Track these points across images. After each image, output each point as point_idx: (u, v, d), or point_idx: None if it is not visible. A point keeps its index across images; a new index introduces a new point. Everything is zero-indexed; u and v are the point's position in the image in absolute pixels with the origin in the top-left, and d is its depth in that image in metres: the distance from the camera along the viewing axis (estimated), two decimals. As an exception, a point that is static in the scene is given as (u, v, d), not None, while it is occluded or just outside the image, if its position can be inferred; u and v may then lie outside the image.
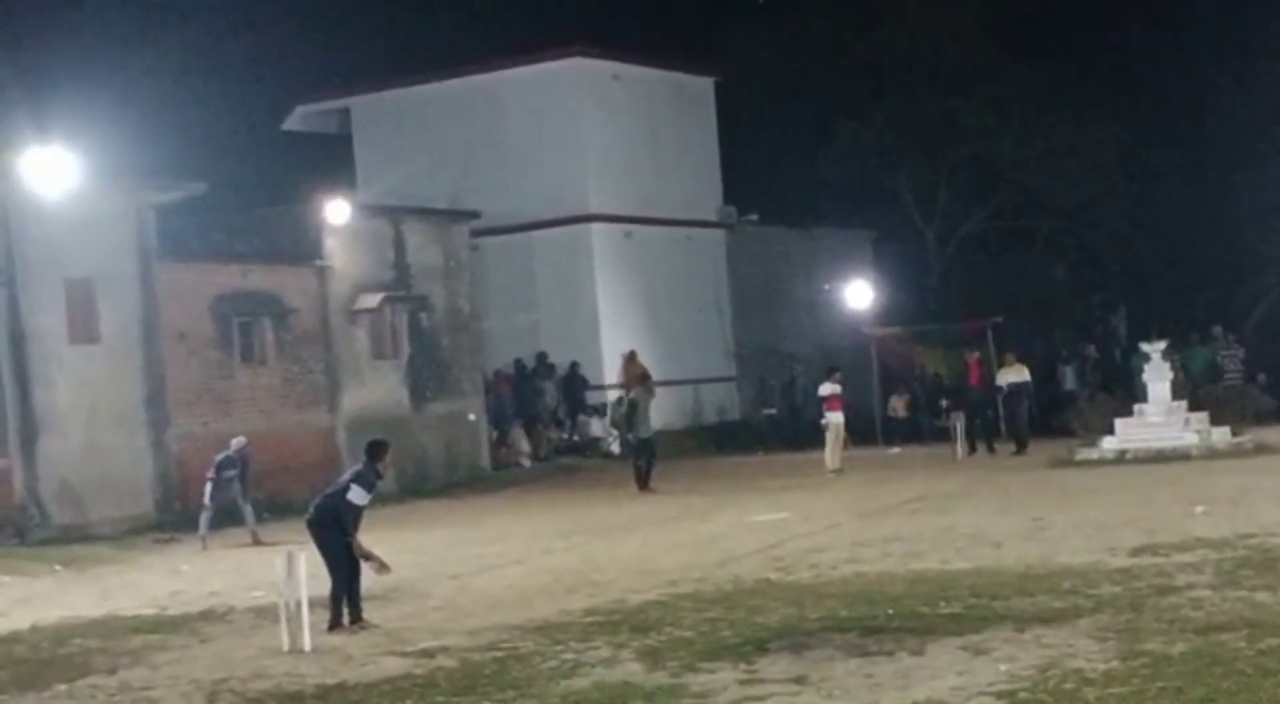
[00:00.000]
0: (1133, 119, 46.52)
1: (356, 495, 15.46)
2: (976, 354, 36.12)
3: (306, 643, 14.12)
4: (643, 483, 29.07)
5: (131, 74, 38.71)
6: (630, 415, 29.44)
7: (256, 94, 43.59)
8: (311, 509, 15.74)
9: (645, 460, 29.35)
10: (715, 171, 43.76)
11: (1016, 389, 33.43)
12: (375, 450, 15.95)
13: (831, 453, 30.55)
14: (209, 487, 24.76)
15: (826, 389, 31.16)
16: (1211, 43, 46.14)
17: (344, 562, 15.18)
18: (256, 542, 23.84)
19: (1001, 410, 34.08)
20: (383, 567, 15.33)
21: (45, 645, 14.62)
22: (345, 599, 15.18)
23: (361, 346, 32.67)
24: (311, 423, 31.25)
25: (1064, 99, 46.13)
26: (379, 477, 15.89)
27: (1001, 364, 34.25)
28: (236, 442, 25.28)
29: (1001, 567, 16.24)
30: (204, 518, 24.67)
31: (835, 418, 30.70)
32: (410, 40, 45.23)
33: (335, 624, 15.06)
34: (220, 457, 24.96)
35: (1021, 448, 32.05)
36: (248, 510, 24.78)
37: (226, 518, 25.19)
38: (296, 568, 14.38)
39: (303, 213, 32.02)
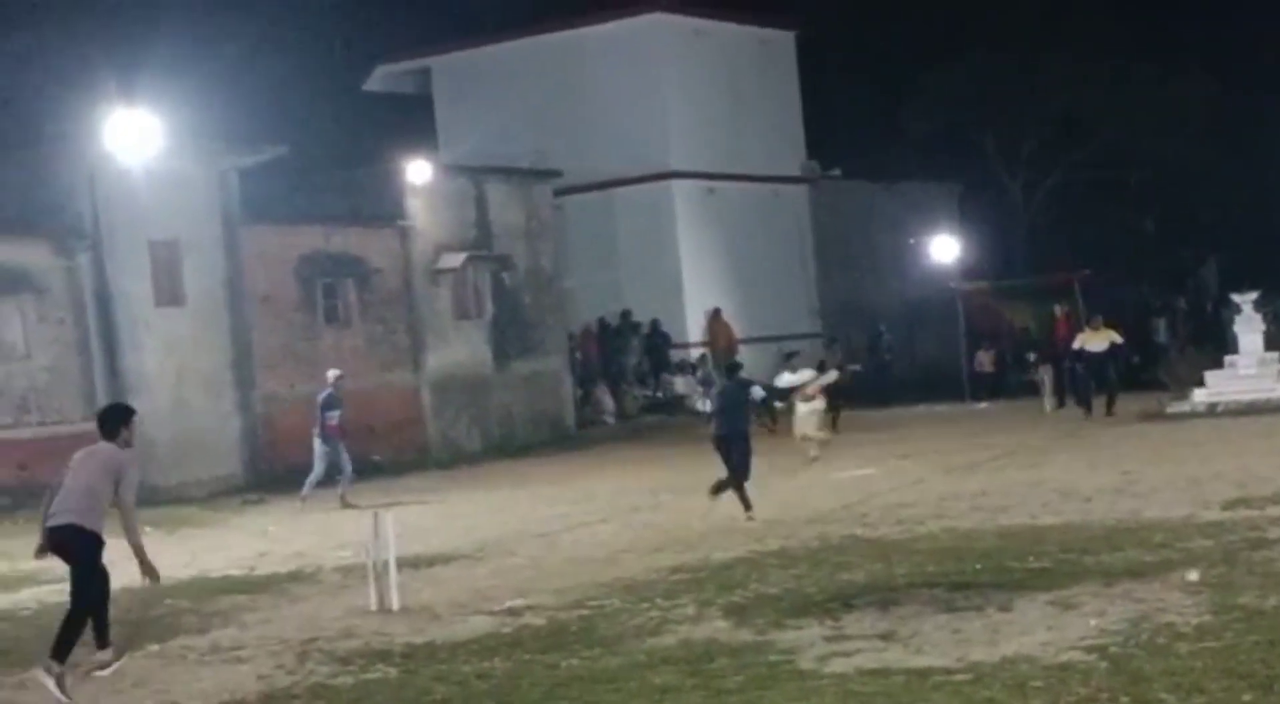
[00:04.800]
0: (1223, 66, 45.83)
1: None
2: (1066, 308, 35.64)
3: (395, 602, 14.15)
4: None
5: (213, 37, 38.85)
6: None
7: (337, 55, 43.70)
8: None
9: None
10: (798, 126, 43.50)
11: (1103, 355, 30.89)
12: None
13: (812, 432, 25.30)
14: (317, 443, 24.40)
15: (786, 380, 26.63)
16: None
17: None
18: (346, 504, 23.48)
19: (1088, 373, 32.28)
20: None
21: (136, 607, 14.71)
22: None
23: (444, 307, 32.72)
24: (396, 383, 31.36)
25: (1153, 47, 45.48)
26: None
27: (1091, 327, 31.73)
28: (333, 374, 25.00)
29: (1090, 521, 16.09)
30: (311, 479, 24.26)
31: (805, 409, 25.30)
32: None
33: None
34: (322, 395, 24.66)
35: (1110, 406, 30.66)
36: (347, 468, 24.31)
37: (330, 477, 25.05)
38: (384, 528, 14.40)
39: (385, 174, 32.09)
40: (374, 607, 14.18)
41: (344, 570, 16.66)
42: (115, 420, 12.47)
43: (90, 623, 11.86)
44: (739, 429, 19.70)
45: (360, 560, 15.08)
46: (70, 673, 11.51)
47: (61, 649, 11.51)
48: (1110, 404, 30.20)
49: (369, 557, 14.45)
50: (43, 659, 11.55)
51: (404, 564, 14.99)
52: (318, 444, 24.42)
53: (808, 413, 25.24)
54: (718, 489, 19.31)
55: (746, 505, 18.80)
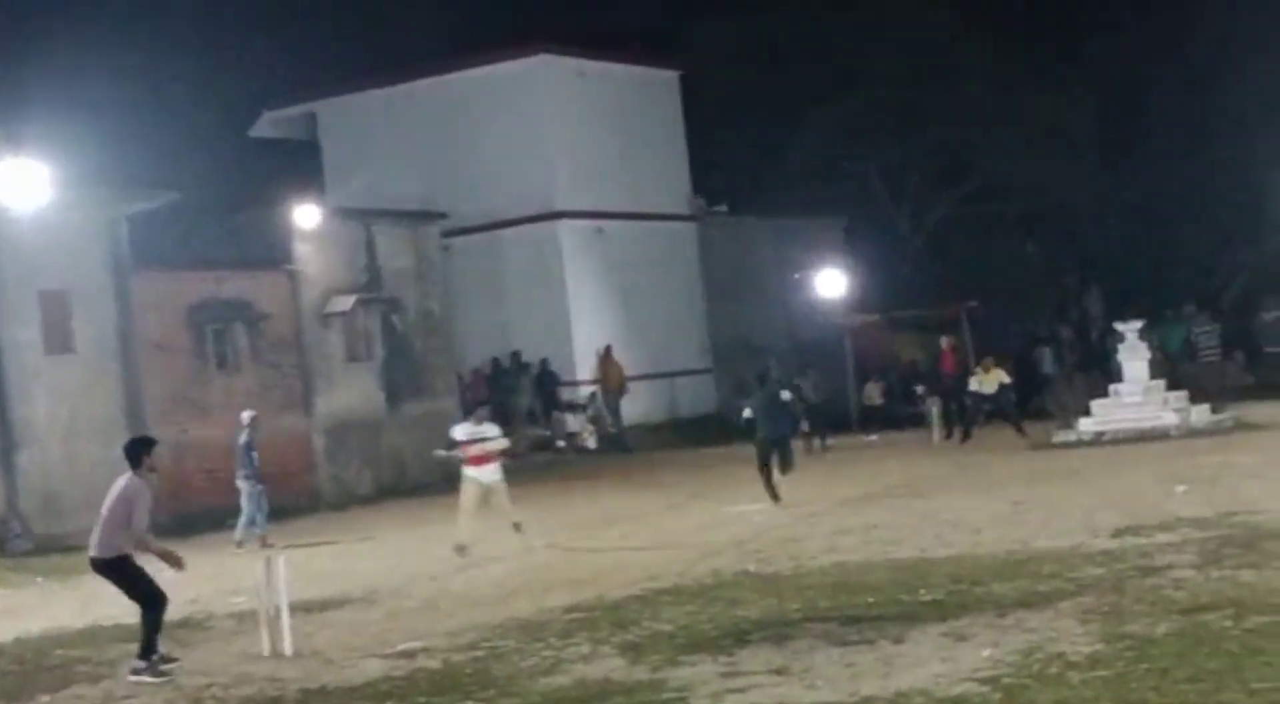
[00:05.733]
0: (1105, 99, 46.58)
1: None
2: (951, 340, 36.03)
3: (287, 647, 14.06)
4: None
5: (100, 84, 38.50)
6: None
7: (224, 102, 43.44)
8: None
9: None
10: (683, 164, 43.74)
11: (994, 396, 32.24)
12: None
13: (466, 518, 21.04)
14: (246, 484, 24.35)
15: (462, 431, 21.65)
16: (1188, 22, 46.13)
17: None
18: (265, 545, 23.51)
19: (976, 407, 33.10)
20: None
21: (29, 657, 14.55)
22: None
23: (335, 350, 32.60)
24: (287, 427, 31.12)
25: (1036, 79, 46.13)
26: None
27: (982, 368, 32.62)
28: (248, 415, 25.01)
29: (982, 552, 16.23)
30: (243, 521, 24.25)
31: (479, 475, 21.10)
32: (374, 44, 45.12)
33: None
34: (244, 438, 24.64)
35: (1020, 431, 31.23)
36: (264, 509, 24.41)
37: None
38: (276, 572, 14.32)
39: (273, 218, 31.95)
40: (267, 652, 14.10)
41: (237, 616, 16.52)
42: (135, 451, 14.11)
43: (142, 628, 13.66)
44: (783, 433, 23.66)
45: (253, 606, 14.97)
46: None
47: (146, 649, 13.59)
48: (1019, 429, 30.83)
49: (261, 602, 14.36)
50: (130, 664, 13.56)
51: (297, 609, 14.91)
52: (247, 485, 24.37)
53: (476, 480, 20.85)
54: (773, 490, 22.89)
55: (775, 497, 22.65)
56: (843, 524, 19.88)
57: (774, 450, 23.31)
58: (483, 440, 20.97)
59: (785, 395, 24.67)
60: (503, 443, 21.53)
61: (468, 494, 20.86)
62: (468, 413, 35.95)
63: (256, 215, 32.46)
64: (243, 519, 24.36)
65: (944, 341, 36.00)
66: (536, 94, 40.20)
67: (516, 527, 20.77)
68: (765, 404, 23.81)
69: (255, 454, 24.52)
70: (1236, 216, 46.43)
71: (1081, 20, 47.39)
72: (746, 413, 24.46)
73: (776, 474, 23.17)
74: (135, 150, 35.40)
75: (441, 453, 21.67)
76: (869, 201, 48.24)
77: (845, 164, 47.17)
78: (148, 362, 28.65)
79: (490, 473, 20.93)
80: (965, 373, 34.29)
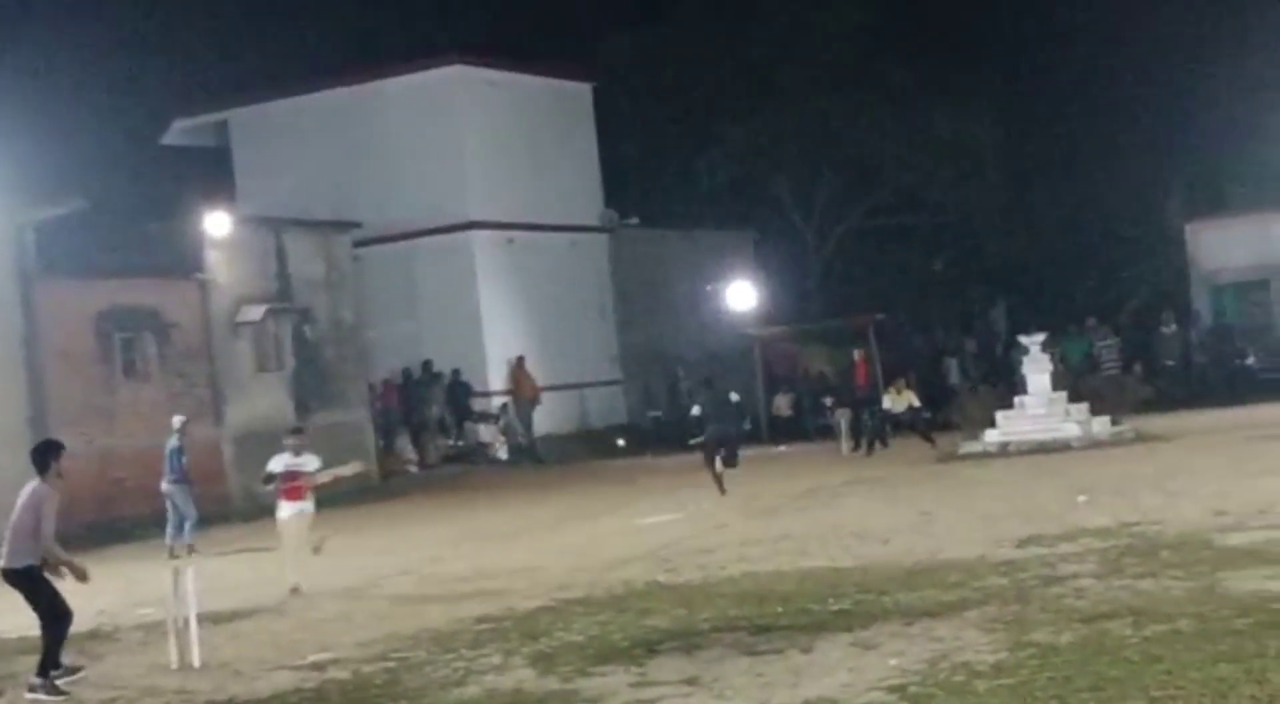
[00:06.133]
0: (1010, 115, 47.11)
1: None
2: (863, 352, 36.36)
3: (196, 659, 14.01)
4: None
5: (7, 89, 38.16)
6: None
7: (134, 109, 43.20)
8: None
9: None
10: (595, 176, 43.86)
11: (905, 413, 33.22)
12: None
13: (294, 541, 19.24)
14: (177, 489, 24.47)
15: (279, 463, 19.45)
16: (1089, 40, 46.80)
17: None
18: (191, 551, 23.72)
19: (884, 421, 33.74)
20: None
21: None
22: None
23: (245, 359, 32.47)
24: (197, 437, 30.75)
25: (943, 97, 46.59)
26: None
27: (895, 389, 33.42)
28: (178, 420, 25.07)
29: (889, 561, 16.39)
30: (189, 525, 24.46)
31: (291, 511, 19.21)
32: (287, 52, 44.99)
33: None
34: (174, 443, 24.65)
35: (929, 441, 31.77)
36: (191, 516, 24.45)
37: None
38: (185, 583, 14.27)
39: (183, 227, 31.82)
40: (175, 664, 14.04)
41: (145, 628, 16.44)
42: (43, 456, 13.78)
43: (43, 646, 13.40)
44: (729, 431, 25.72)
45: (162, 617, 14.90)
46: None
47: (45, 665, 13.35)
48: (927, 439, 31.40)
49: (169, 613, 14.30)
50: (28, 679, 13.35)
51: (205, 620, 14.87)
52: (178, 489, 24.39)
53: (294, 515, 19.11)
54: (719, 484, 24.92)
55: (722, 490, 24.73)
56: (752, 534, 20.00)
57: (721, 448, 25.41)
58: (302, 473, 19.09)
59: (734, 397, 26.86)
60: (326, 475, 19.56)
61: (289, 532, 18.98)
62: (380, 423, 36.20)
63: (166, 223, 32.32)
64: (171, 527, 24.38)
65: (856, 354, 36.30)
66: (449, 105, 40.20)
67: (316, 550, 19.13)
68: (714, 404, 26.16)
69: (186, 459, 24.61)
70: (1137, 232, 47.07)
71: (989, 38, 47.89)
72: (695, 410, 26.70)
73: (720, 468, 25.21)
74: (43, 157, 35.09)
75: (270, 487, 19.71)
76: (779, 214, 48.53)
77: (756, 177, 47.42)
78: (54, 370, 28.44)
79: (305, 506, 19.09)
80: (877, 384, 34.61)
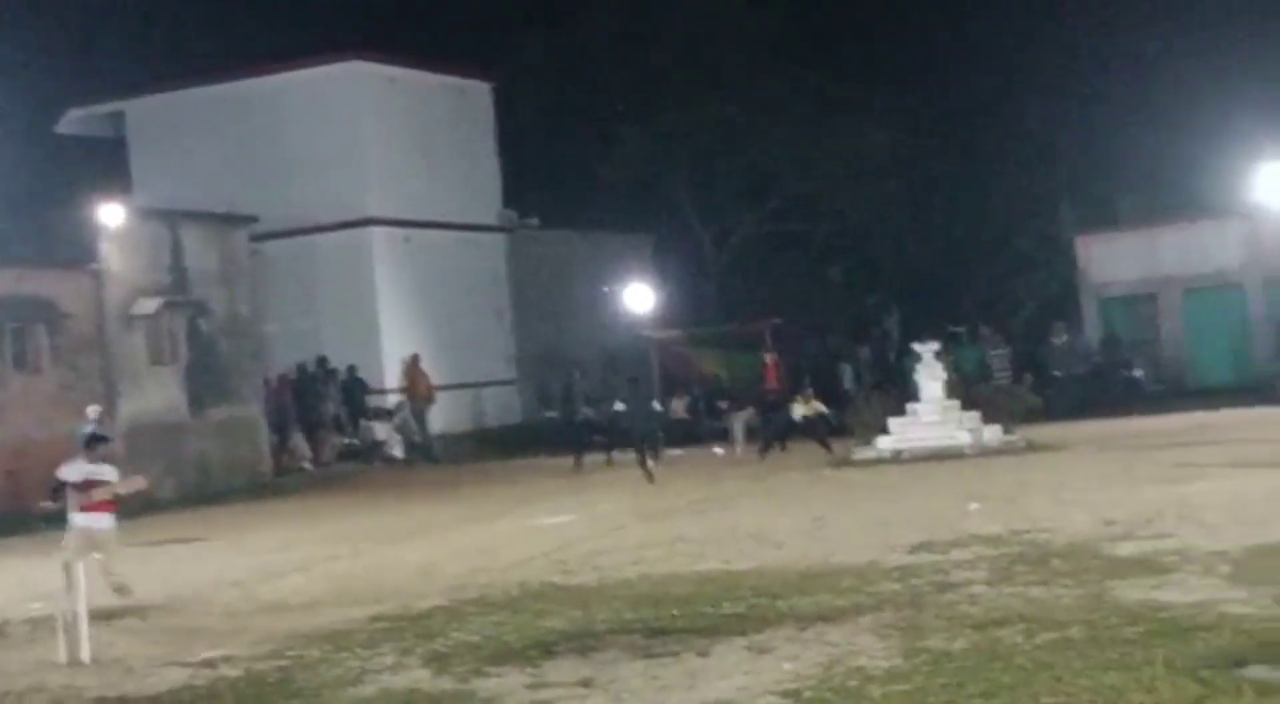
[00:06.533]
0: (906, 125, 47.53)
1: None
2: (774, 356, 36.52)
3: (85, 655, 13.86)
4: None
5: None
6: None
7: (28, 97, 42.56)
8: None
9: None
10: (495, 176, 43.78)
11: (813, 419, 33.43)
12: None
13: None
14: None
15: (74, 471, 17.06)
16: (986, 54, 47.29)
17: None
18: None
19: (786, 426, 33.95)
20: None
21: None
22: None
23: (139, 352, 32.13)
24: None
25: (842, 105, 46.95)
26: None
27: (803, 398, 33.20)
28: (94, 409, 24.75)
29: (784, 566, 16.46)
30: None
31: (92, 524, 16.81)
32: (185, 43, 44.59)
33: None
34: (89, 431, 24.27)
35: (826, 446, 31.92)
36: None
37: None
38: (76, 578, 14.11)
39: (77, 217, 31.42)
40: (64, 660, 13.87)
41: (34, 623, 16.21)
42: None
43: None
44: (651, 427, 29.82)
45: (51, 612, 14.73)
46: None
47: None
48: (824, 444, 31.40)
49: (59, 608, 14.14)
50: None
51: (96, 616, 14.67)
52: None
53: (89, 529, 16.75)
54: (648, 474, 27.75)
55: (650, 478, 27.50)
56: (648, 537, 20.05)
57: (644, 442, 29.01)
58: (100, 483, 16.86)
59: (656, 405, 31.01)
60: (127, 485, 17.35)
61: (73, 547, 16.31)
62: (273, 420, 35.93)
63: (60, 213, 31.92)
64: None
65: (768, 357, 36.51)
66: (349, 100, 40.02)
67: (119, 591, 16.62)
68: (637, 401, 30.18)
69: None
70: (1030, 244, 47.65)
71: (887, 49, 48.33)
72: (618, 405, 30.56)
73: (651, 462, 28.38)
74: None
75: (49, 504, 17.60)
76: (678, 218, 48.69)
77: (656, 180, 47.55)
78: (-57, 361, 28.05)
79: (105, 521, 16.89)
80: (785, 388, 34.77)
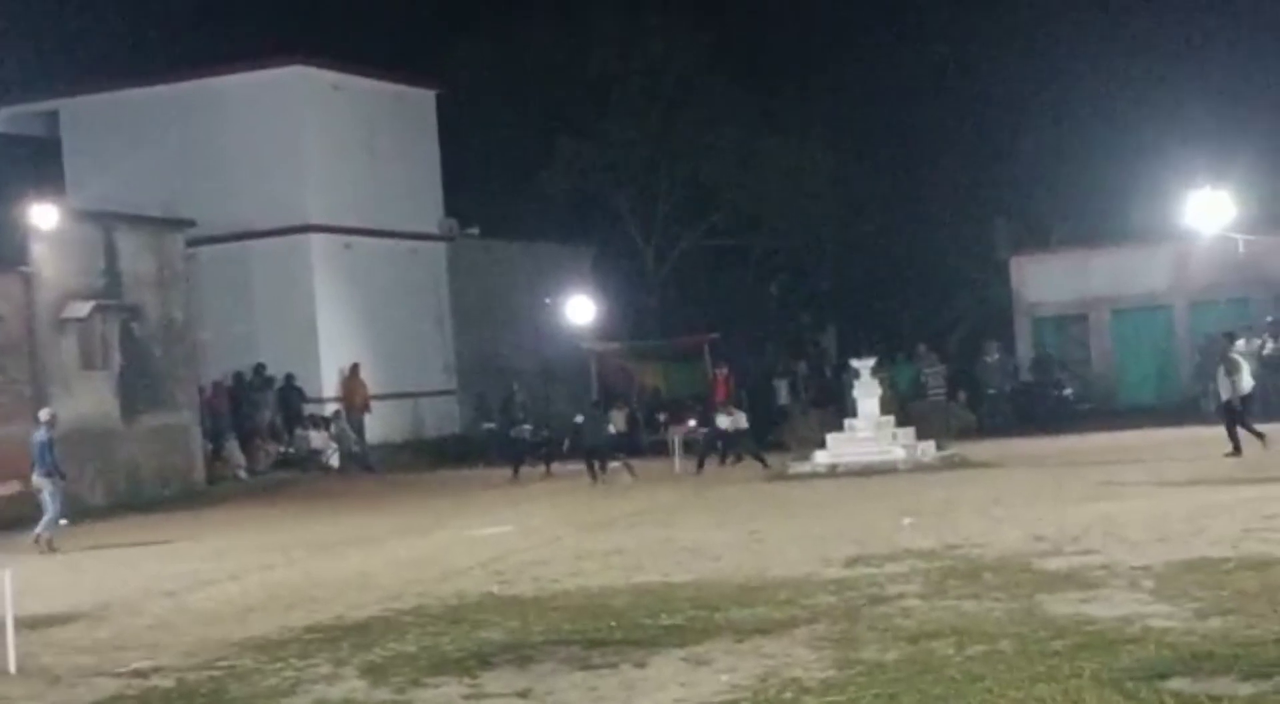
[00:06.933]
0: (845, 145, 47.79)
1: None
2: (725, 370, 36.55)
3: (11, 665, 13.68)
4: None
5: None
6: None
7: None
8: None
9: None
10: (436, 184, 43.67)
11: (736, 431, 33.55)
12: None
13: None
14: (47, 483, 24.25)
15: None
16: (922, 76, 47.64)
17: None
18: (51, 548, 23.49)
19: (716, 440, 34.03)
20: None
21: None
22: None
23: (70, 356, 31.85)
24: (16, 435, 30.21)
25: (781, 123, 47.16)
26: None
27: (726, 411, 33.59)
28: (46, 413, 24.71)
29: (721, 578, 16.49)
30: (49, 518, 24.16)
31: None
32: (124, 43, 44.22)
33: None
34: (43, 436, 24.27)
35: (761, 461, 31.96)
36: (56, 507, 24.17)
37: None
38: (1, 585, 13.93)
39: (8, 217, 31.09)
40: (-9, 669, 13.73)
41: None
42: None
43: None
44: (602, 442, 31.90)
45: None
46: None
47: None
48: (759, 459, 31.55)
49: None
50: None
51: (23, 624, 14.50)
52: (47, 483, 24.11)
53: None
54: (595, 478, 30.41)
55: (594, 479, 30.54)
56: (585, 548, 20.03)
57: (596, 453, 31.15)
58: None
59: (611, 427, 32.99)
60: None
61: None
62: (208, 428, 35.67)
63: (-9, 214, 31.61)
64: (47, 517, 24.05)
65: (719, 372, 36.58)
66: (289, 105, 39.84)
67: None
68: (593, 420, 32.29)
69: (55, 451, 24.38)
70: (965, 263, 47.96)
71: (825, 68, 48.56)
72: (578, 419, 32.67)
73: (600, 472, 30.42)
74: None
75: None
76: (619, 230, 48.75)
77: (597, 192, 47.58)
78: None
79: None
80: (737, 402, 34.83)
